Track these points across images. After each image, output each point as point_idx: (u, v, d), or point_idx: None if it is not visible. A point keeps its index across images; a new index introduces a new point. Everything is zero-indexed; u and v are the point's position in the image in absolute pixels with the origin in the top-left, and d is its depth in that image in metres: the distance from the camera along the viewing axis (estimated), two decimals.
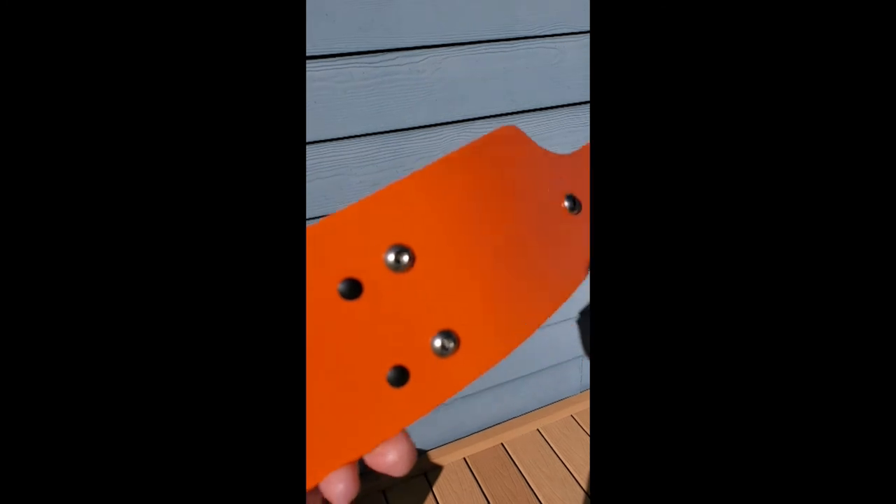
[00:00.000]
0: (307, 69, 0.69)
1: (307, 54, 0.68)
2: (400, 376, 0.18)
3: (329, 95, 0.71)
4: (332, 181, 0.77)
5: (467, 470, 1.12)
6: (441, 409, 1.08)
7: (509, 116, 0.84)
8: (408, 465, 0.18)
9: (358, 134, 0.76)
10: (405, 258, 0.18)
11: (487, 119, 0.82)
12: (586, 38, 0.84)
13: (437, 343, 0.18)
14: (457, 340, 0.19)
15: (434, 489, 1.08)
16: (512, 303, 0.20)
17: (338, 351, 0.17)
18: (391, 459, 0.18)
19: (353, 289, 0.17)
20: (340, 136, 0.75)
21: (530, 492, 1.06)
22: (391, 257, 0.18)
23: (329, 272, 0.17)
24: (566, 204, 0.24)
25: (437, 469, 1.12)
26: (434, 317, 0.19)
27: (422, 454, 1.12)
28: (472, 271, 0.19)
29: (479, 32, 0.76)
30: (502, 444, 1.17)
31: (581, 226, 0.24)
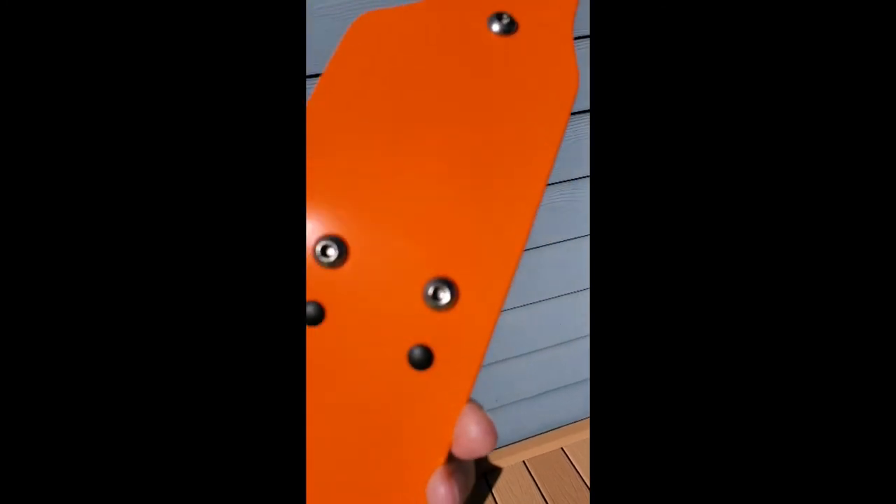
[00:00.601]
0: None
1: None
2: (423, 356, 0.16)
3: None
4: None
5: (527, 473, 1.11)
6: (501, 411, 1.08)
7: None
8: (492, 437, 0.16)
9: None
10: (332, 253, 0.16)
11: None
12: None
13: (442, 296, 0.16)
14: (453, 286, 0.16)
15: (494, 492, 1.08)
16: (488, 211, 0.16)
17: (347, 377, 0.16)
18: (473, 434, 0.16)
19: (316, 313, 0.16)
20: None
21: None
22: (325, 256, 0.16)
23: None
24: (495, 28, 0.17)
25: (497, 471, 1.12)
26: (417, 277, 0.16)
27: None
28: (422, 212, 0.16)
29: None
30: (562, 449, 1.16)
31: (528, 49, 0.17)
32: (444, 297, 0.16)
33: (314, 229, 0.16)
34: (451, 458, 0.16)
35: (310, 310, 0.16)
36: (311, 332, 0.16)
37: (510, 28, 0.17)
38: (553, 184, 0.83)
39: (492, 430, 0.16)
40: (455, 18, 0.17)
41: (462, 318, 0.16)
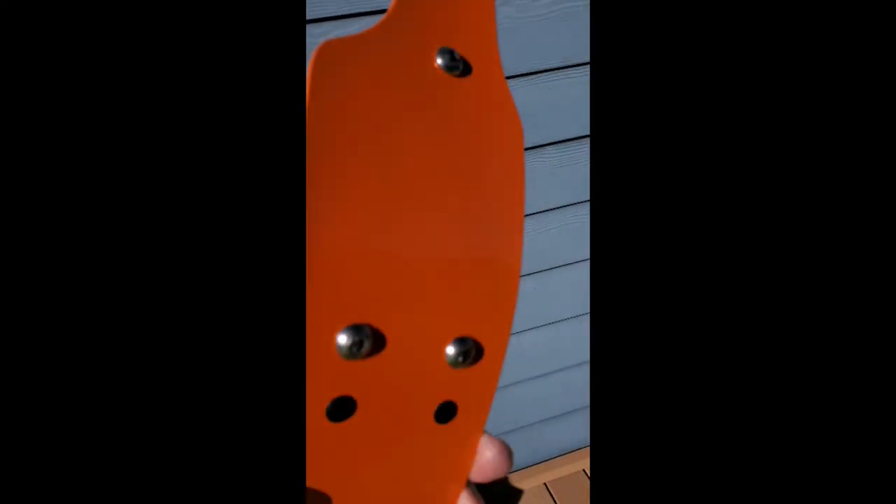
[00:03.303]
0: None
1: None
2: (448, 411, 0.17)
3: None
4: None
5: (548, 495, 1.10)
6: (522, 432, 1.08)
7: (582, 140, 0.84)
8: (506, 456, 0.18)
9: None
10: (367, 345, 0.16)
11: (559, 144, 0.83)
12: None
13: (466, 355, 0.17)
14: (474, 343, 0.17)
15: None
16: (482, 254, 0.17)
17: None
18: (489, 457, 0.17)
19: (339, 409, 0.16)
20: None
21: None
22: (349, 350, 0.16)
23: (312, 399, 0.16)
24: (439, 62, 0.17)
25: (518, 493, 1.11)
26: (439, 342, 0.17)
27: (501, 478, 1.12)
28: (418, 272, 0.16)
29: (550, 61, 0.78)
30: (584, 471, 1.14)
31: (475, 91, 0.17)
32: (469, 355, 0.17)
33: (339, 318, 0.16)
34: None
35: (342, 404, 0.16)
36: (345, 424, 0.16)
37: (451, 66, 0.17)
38: (567, 206, 0.85)
39: (505, 450, 0.18)
40: (405, 49, 0.17)
41: (481, 369, 0.17)
